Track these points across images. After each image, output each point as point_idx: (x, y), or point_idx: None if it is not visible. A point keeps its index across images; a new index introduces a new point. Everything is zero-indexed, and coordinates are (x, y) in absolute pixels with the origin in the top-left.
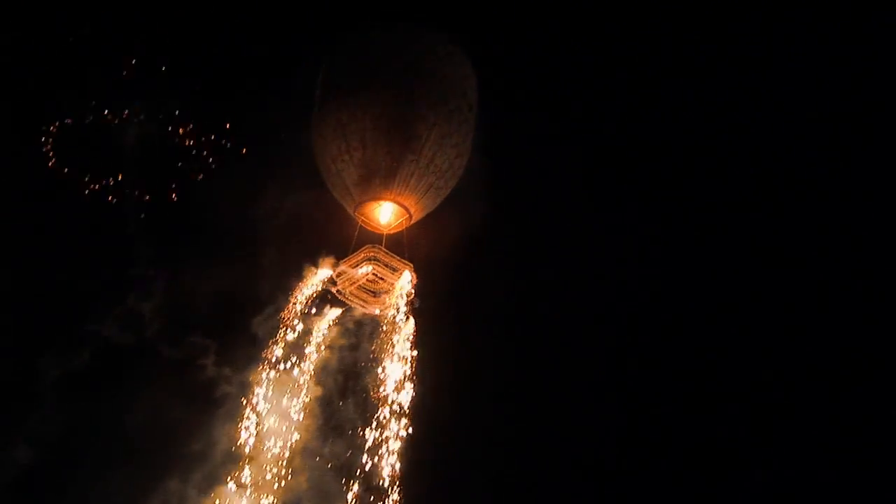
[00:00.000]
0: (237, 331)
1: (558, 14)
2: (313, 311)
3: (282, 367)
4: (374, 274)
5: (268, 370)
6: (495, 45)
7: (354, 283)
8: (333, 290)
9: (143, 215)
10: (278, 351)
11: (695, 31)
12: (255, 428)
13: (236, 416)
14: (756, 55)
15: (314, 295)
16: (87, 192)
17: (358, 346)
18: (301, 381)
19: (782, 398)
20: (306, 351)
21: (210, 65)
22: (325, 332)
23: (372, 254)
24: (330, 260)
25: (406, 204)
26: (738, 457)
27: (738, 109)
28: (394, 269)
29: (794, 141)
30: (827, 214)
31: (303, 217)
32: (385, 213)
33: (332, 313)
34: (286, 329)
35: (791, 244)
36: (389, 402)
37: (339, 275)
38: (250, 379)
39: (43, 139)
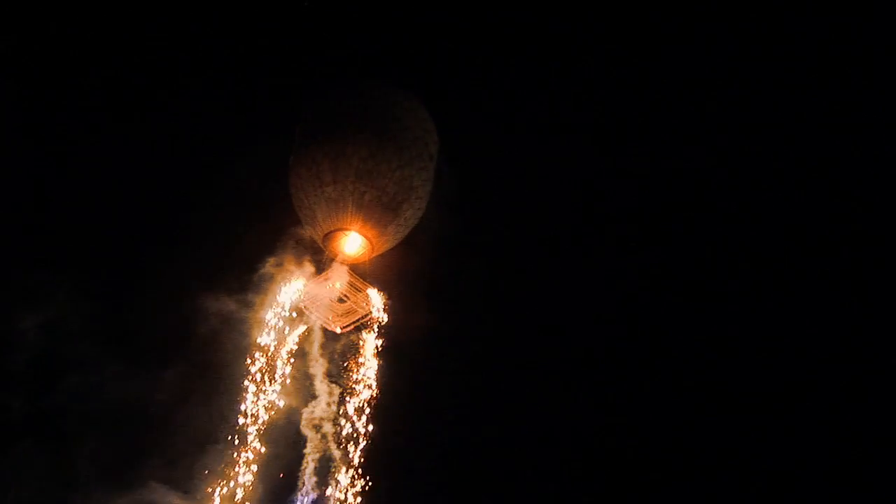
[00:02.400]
0: None
1: (524, 71)
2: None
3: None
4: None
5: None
6: (458, 101)
7: (322, 301)
8: (302, 306)
9: None
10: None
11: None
12: None
13: None
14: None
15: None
16: None
17: (322, 362)
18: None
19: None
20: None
21: None
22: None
23: (334, 273)
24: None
25: (369, 236)
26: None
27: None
28: (358, 290)
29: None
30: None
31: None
32: (350, 243)
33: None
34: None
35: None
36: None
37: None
38: None
39: None
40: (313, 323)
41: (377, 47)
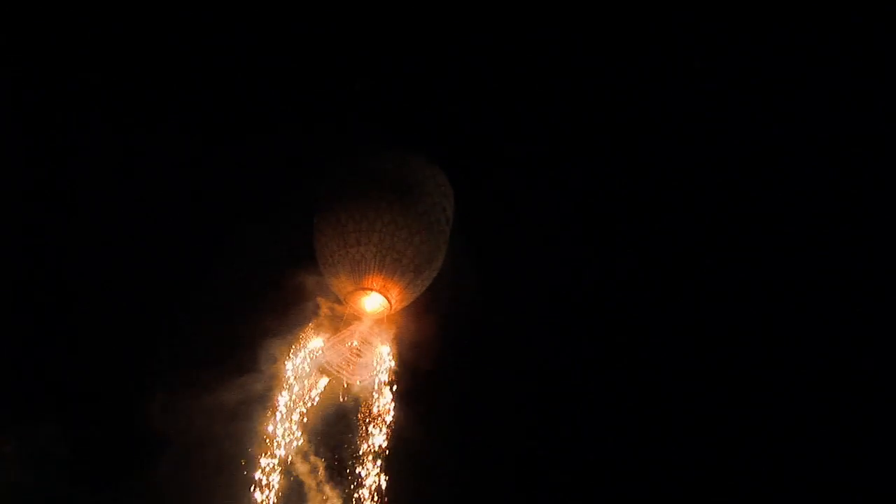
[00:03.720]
0: None
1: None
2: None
3: None
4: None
5: None
6: (474, 168)
7: (342, 354)
8: (322, 361)
9: None
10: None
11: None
12: None
13: None
14: None
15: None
16: None
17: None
18: None
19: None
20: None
21: None
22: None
23: (354, 328)
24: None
25: (388, 295)
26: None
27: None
28: (375, 346)
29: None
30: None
31: None
32: (370, 302)
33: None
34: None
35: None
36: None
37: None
38: None
39: None
40: (332, 379)
41: (398, 110)
